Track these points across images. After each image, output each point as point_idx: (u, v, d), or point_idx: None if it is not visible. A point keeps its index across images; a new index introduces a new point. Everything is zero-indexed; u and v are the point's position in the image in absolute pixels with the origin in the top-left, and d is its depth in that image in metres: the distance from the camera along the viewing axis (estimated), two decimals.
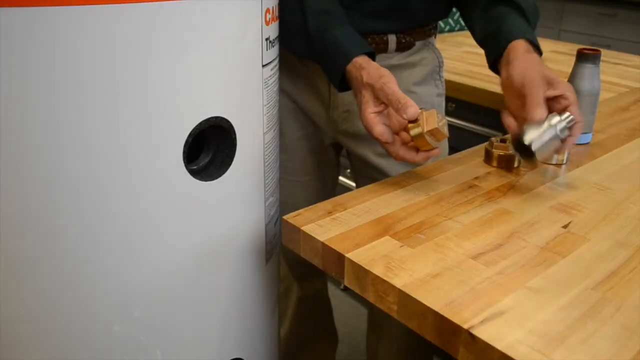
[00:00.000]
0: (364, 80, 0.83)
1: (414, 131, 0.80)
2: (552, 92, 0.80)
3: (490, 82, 1.51)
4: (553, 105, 0.81)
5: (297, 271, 1.34)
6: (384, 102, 0.82)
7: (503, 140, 0.95)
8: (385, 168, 1.11)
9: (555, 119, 0.78)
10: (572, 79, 1.01)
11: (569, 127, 0.79)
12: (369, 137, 1.12)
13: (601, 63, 1.01)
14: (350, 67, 0.87)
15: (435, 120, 0.79)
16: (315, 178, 1.20)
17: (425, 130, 0.79)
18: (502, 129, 0.84)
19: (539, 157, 0.78)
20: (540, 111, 0.77)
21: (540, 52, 0.87)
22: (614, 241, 0.73)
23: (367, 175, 1.14)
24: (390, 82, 0.81)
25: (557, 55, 1.85)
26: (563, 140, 0.79)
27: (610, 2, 3.46)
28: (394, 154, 0.83)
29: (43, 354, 0.74)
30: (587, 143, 1.05)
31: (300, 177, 1.18)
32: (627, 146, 1.05)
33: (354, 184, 1.29)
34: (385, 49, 1.04)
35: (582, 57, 0.99)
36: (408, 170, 0.92)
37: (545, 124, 0.78)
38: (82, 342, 0.75)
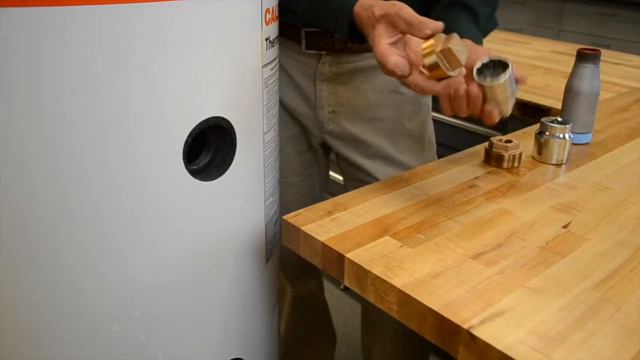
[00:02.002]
0: (376, 15, 0.79)
1: (429, 59, 0.74)
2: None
3: None
4: None
5: (290, 272, 1.34)
6: (401, 28, 0.78)
7: (509, 141, 0.94)
8: (372, 170, 1.10)
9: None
10: (572, 79, 1.01)
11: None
12: (354, 138, 1.11)
13: (601, 63, 1.01)
14: (358, 8, 0.83)
15: (451, 42, 0.74)
16: (304, 178, 1.20)
17: (437, 50, 0.73)
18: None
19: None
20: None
21: None
22: (614, 241, 0.73)
23: (355, 177, 1.14)
24: (405, 7, 0.77)
25: (557, 55, 1.84)
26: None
27: (610, 2, 3.46)
28: (412, 84, 0.78)
29: (43, 353, 0.74)
30: (587, 143, 1.05)
31: (288, 177, 1.18)
32: (627, 146, 1.05)
33: None
34: (370, 48, 1.04)
35: (582, 57, 0.99)
36: (396, 173, 0.92)
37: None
38: (82, 341, 0.75)
